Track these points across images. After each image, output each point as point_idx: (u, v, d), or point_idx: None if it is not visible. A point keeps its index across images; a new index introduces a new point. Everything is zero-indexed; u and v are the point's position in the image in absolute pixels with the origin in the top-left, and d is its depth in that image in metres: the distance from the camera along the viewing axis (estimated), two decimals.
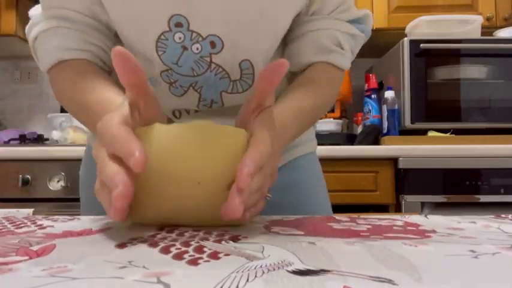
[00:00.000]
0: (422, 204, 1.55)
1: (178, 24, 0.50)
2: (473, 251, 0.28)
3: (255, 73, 0.56)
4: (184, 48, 0.52)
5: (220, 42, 0.52)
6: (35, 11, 0.57)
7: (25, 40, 1.99)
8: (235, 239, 0.32)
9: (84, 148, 0.71)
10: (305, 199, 0.65)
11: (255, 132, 0.37)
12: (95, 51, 0.54)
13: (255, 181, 0.35)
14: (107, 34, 0.55)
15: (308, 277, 0.22)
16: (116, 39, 0.56)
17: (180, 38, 0.51)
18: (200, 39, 0.51)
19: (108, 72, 0.56)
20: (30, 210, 1.51)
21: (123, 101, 0.39)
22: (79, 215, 0.53)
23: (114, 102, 0.45)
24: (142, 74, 0.35)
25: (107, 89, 0.48)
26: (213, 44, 0.52)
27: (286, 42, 0.60)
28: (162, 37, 0.51)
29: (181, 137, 0.34)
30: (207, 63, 0.53)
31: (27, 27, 0.56)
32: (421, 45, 1.67)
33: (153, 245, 0.30)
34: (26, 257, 0.26)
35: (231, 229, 0.36)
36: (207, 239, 0.31)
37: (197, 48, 0.52)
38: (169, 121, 0.59)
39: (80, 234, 0.35)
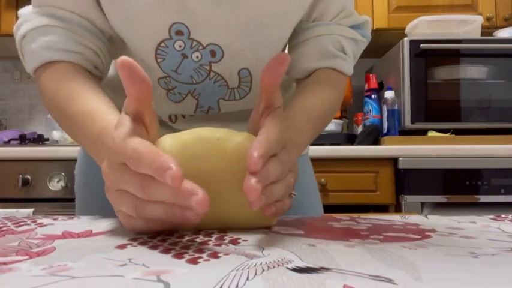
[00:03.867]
0: (422, 204, 1.55)
1: (179, 32, 0.50)
2: (473, 253, 0.28)
3: (252, 81, 0.56)
4: (184, 56, 0.52)
5: (221, 51, 0.52)
6: (24, 10, 0.54)
7: None
8: (235, 242, 0.32)
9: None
10: (298, 200, 0.65)
11: (264, 124, 0.36)
12: (86, 53, 0.51)
13: (270, 167, 0.34)
14: (100, 38, 0.53)
15: (308, 275, 0.22)
16: (111, 44, 0.55)
17: (180, 46, 0.51)
18: (200, 47, 0.51)
19: (99, 78, 0.54)
20: (30, 210, 1.51)
21: (112, 113, 0.39)
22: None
23: (99, 114, 0.43)
24: (151, 87, 0.34)
25: (92, 99, 0.46)
26: (213, 53, 0.52)
27: (289, 49, 0.60)
28: (163, 45, 0.51)
29: (196, 154, 0.34)
30: (206, 72, 0.53)
31: (15, 26, 0.53)
32: (421, 45, 1.67)
33: (154, 247, 0.30)
34: (26, 257, 0.26)
35: (231, 232, 0.36)
36: (207, 243, 0.31)
37: (197, 57, 0.52)
38: (163, 124, 0.60)
39: (79, 236, 0.35)
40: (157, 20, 0.49)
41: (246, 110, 0.59)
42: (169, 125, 0.59)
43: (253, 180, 0.31)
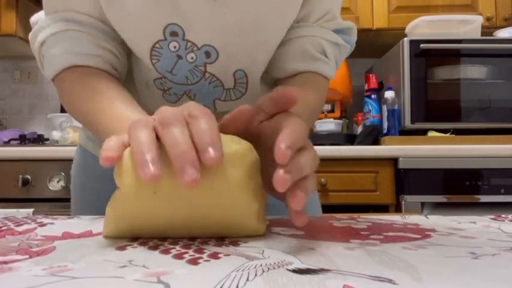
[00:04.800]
0: (422, 204, 1.55)
1: (174, 34, 0.50)
2: (473, 253, 0.28)
3: (248, 82, 0.56)
4: (179, 57, 0.52)
5: (215, 52, 0.52)
6: (37, 17, 0.54)
7: (25, 40, 1.99)
8: (235, 243, 0.32)
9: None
10: None
11: (284, 117, 0.35)
12: (106, 56, 0.51)
13: (303, 160, 0.32)
14: (116, 39, 0.53)
15: (308, 276, 0.22)
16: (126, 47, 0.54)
17: (175, 47, 0.51)
18: (195, 48, 0.51)
19: (117, 79, 0.54)
20: (30, 210, 1.51)
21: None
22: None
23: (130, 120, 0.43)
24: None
25: (122, 107, 0.45)
26: (208, 54, 0.52)
27: None
28: (157, 45, 0.51)
29: None
30: (201, 72, 0.53)
31: (31, 34, 0.53)
32: (421, 45, 1.67)
33: (153, 248, 0.30)
34: (26, 256, 0.26)
35: (231, 235, 0.36)
36: (207, 243, 0.31)
37: (192, 58, 0.52)
38: None
39: (80, 236, 0.35)
40: (152, 21, 0.49)
41: None
42: None
43: (281, 171, 0.29)
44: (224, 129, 0.36)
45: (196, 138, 0.29)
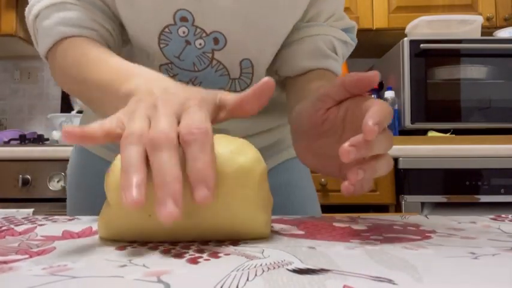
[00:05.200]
0: (422, 204, 1.55)
1: (183, 19, 0.51)
2: (473, 253, 0.28)
3: (254, 73, 0.56)
4: (188, 42, 0.52)
5: (224, 39, 0.52)
6: None
7: (25, 40, 2.00)
8: (235, 243, 0.32)
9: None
10: (296, 199, 0.66)
11: (366, 99, 0.36)
12: (100, 31, 0.50)
13: (377, 139, 0.32)
14: (113, 19, 0.52)
15: (308, 276, 0.22)
16: (122, 29, 0.54)
17: (184, 32, 0.51)
18: (204, 35, 0.52)
19: None
20: (30, 210, 1.51)
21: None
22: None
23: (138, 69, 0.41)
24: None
25: (117, 60, 0.44)
26: (216, 41, 0.52)
27: (282, 47, 0.60)
28: (166, 30, 0.51)
29: None
30: (208, 59, 0.54)
31: (26, 8, 0.51)
32: (421, 45, 1.67)
33: (154, 247, 0.30)
34: (26, 255, 0.26)
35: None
36: (207, 243, 0.31)
37: (200, 44, 0.52)
38: None
39: (80, 235, 0.35)
40: (163, 5, 0.50)
41: None
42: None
43: (347, 144, 0.30)
44: (246, 106, 0.35)
45: (189, 167, 0.28)
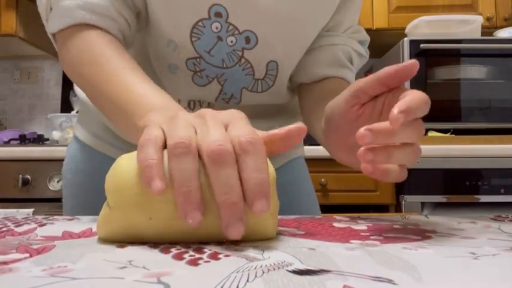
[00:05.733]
0: (422, 204, 1.55)
1: (218, 14, 0.51)
2: (473, 253, 0.28)
3: (277, 75, 0.57)
4: (220, 38, 0.52)
5: (255, 39, 0.53)
6: None
7: (25, 40, 2.00)
8: (235, 243, 0.31)
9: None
10: (295, 199, 0.67)
11: (402, 90, 0.37)
12: (120, 22, 0.48)
13: (403, 128, 0.33)
14: (132, 9, 0.50)
15: (308, 276, 0.22)
16: (137, 17, 0.52)
17: (217, 28, 0.52)
18: (236, 32, 0.52)
19: None
20: (30, 210, 1.51)
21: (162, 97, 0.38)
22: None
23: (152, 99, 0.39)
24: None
25: (132, 76, 0.42)
26: (247, 40, 0.53)
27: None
28: (200, 24, 0.51)
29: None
30: (238, 57, 0.54)
31: None
32: (421, 45, 1.67)
33: (154, 246, 0.30)
34: (27, 254, 0.26)
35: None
36: (207, 243, 0.31)
37: (232, 41, 0.53)
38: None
39: (80, 236, 0.35)
40: None
41: (265, 105, 0.60)
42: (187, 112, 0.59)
43: (363, 128, 0.31)
44: (272, 147, 0.34)
45: (246, 182, 0.28)
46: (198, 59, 0.54)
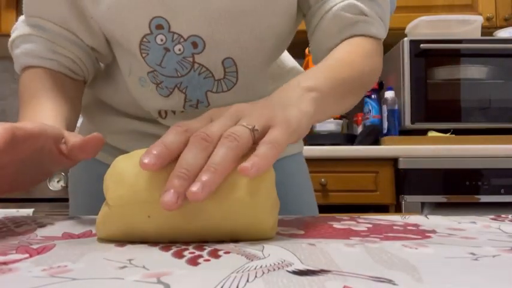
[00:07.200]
0: (422, 204, 1.55)
1: (159, 27, 0.51)
2: (473, 254, 0.28)
3: (238, 71, 0.56)
4: (167, 49, 0.52)
5: (202, 42, 0.52)
6: (20, 18, 0.59)
7: None
8: (235, 240, 0.32)
9: None
10: (292, 199, 0.66)
11: None
12: (61, 60, 0.55)
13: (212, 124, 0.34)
14: (81, 46, 0.56)
15: (308, 277, 0.22)
16: (94, 52, 0.58)
17: (161, 40, 0.52)
18: (182, 40, 0.52)
19: (81, 81, 0.58)
20: (30, 210, 1.51)
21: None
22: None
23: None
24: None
25: (41, 109, 0.50)
26: (195, 45, 0.53)
27: (309, 37, 0.59)
28: (145, 39, 0.52)
29: None
30: (190, 64, 0.54)
31: (11, 30, 0.58)
32: (421, 45, 1.67)
33: (153, 245, 0.30)
34: (26, 255, 0.26)
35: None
36: (207, 241, 0.31)
37: (179, 49, 0.53)
38: (152, 121, 0.60)
39: (79, 236, 0.35)
40: (138, 15, 0.51)
41: (236, 103, 0.58)
42: (159, 121, 0.60)
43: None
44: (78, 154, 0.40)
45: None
46: (154, 72, 0.55)
